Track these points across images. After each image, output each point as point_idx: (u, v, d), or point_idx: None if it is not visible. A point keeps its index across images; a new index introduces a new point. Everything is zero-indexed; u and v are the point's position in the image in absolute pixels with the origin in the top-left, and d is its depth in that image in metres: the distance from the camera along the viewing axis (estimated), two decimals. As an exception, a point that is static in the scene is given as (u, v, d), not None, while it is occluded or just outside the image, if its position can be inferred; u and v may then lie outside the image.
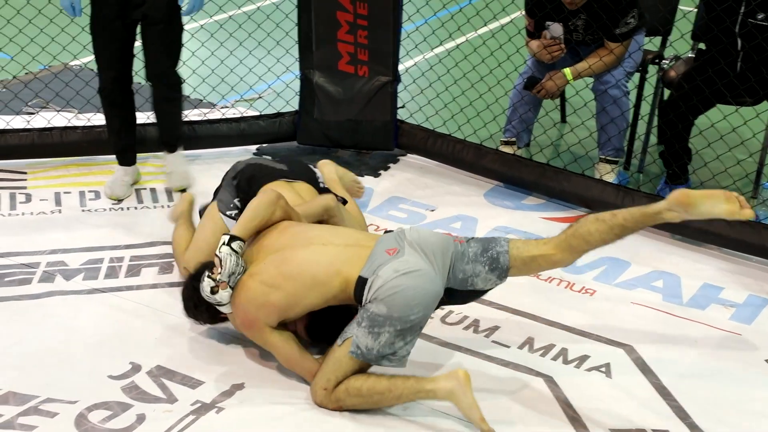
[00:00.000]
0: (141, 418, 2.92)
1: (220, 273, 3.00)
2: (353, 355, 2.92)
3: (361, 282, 2.94)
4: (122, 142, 4.45)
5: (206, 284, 3.01)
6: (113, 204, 4.36)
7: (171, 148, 4.49)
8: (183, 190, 4.39)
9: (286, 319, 3.06)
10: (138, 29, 4.22)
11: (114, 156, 4.48)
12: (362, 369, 2.97)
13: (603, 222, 3.00)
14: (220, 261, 3.01)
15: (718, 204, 2.93)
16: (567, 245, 3.02)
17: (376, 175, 4.79)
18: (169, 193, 4.49)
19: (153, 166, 4.72)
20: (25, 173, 4.58)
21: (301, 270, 3.00)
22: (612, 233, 3.00)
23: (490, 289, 3.09)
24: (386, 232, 3.17)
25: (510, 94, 4.87)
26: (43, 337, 3.33)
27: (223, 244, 3.05)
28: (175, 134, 4.52)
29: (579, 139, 4.81)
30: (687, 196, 2.95)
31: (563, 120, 5.46)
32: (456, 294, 3.04)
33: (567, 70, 4.56)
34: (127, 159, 4.46)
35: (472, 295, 3.09)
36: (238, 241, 3.07)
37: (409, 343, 2.94)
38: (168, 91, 4.38)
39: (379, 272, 2.92)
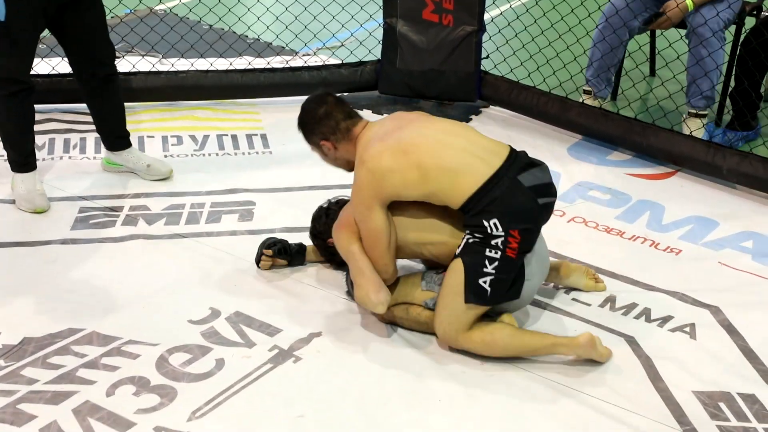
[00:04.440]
0: (220, 363, 2.95)
1: None
2: None
3: None
4: (31, 146, 3.85)
5: None
6: (195, 150, 4.38)
7: (127, 141, 4.08)
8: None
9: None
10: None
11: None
12: None
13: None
14: None
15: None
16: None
17: (458, 126, 4.72)
18: (249, 137, 4.50)
19: (231, 112, 4.75)
20: (110, 117, 4.62)
21: None
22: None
23: None
24: None
25: (592, 35, 4.75)
26: (125, 280, 3.38)
27: None
28: (124, 121, 4.06)
29: (669, 93, 4.67)
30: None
31: (652, 73, 5.30)
32: None
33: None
34: (29, 165, 3.84)
35: None
36: None
37: None
38: (110, 69, 3.90)
39: None
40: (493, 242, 2.89)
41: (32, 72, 3.86)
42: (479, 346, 2.98)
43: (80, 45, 3.80)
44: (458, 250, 2.96)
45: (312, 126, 3.16)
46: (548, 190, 3.04)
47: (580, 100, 4.75)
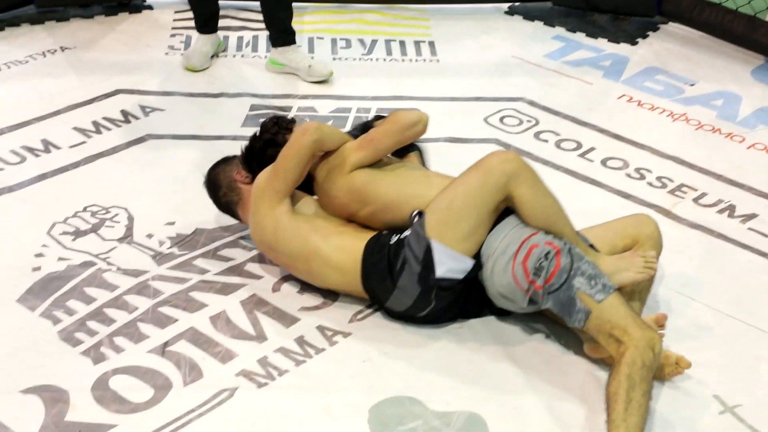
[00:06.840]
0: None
1: None
2: None
3: None
4: (210, 9, 4.17)
5: None
6: (363, 54, 4.37)
7: (292, 38, 4.10)
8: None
9: None
10: None
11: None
12: None
13: None
14: None
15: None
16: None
17: (633, 42, 4.53)
18: (417, 44, 4.46)
19: (400, 17, 4.70)
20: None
21: None
22: None
23: None
24: None
25: None
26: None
27: None
28: (290, 16, 4.10)
29: None
30: None
31: None
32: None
33: None
34: (209, 27, 4.19)
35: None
36: None
37: None
38: None
39: None
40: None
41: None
42: None
43: None
44: None
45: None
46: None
47: (769, 20, 4.48)
